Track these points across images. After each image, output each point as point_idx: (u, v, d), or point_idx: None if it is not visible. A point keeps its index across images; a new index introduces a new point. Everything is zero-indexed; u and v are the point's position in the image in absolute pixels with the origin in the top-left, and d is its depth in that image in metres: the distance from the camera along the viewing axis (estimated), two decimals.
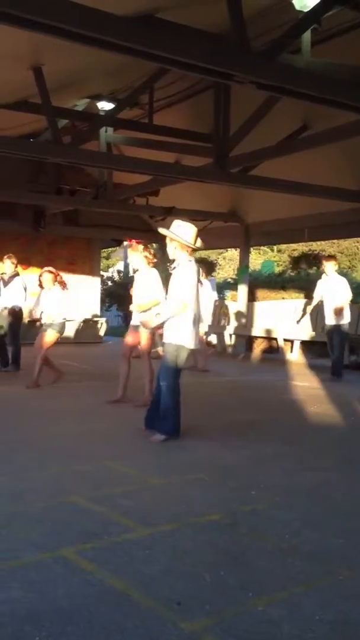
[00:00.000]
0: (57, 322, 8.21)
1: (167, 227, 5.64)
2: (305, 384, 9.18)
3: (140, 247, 6.98)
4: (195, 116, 10.42)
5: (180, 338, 5.35)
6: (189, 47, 5.24)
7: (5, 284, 9.56)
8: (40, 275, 8.41)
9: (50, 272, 8.36)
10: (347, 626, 2.39)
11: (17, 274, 9.67)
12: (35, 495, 3.81)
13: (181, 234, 5.40)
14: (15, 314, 9.66)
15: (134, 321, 7.06)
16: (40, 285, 8.43)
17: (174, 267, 5.51)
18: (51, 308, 8.25)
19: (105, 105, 9.96)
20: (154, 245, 14.34)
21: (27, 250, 14.42)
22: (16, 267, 9.70)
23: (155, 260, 7.18)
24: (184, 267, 5.40)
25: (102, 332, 15.77)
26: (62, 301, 8.28)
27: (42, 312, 8.36)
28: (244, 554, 3.03)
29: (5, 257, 9.65)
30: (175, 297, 5.33)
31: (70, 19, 4.54)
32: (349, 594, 2.66)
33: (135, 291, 7.04)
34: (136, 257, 7.00)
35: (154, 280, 6.98)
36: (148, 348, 7.04)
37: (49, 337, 8.22)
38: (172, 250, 5.46)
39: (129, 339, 7.07)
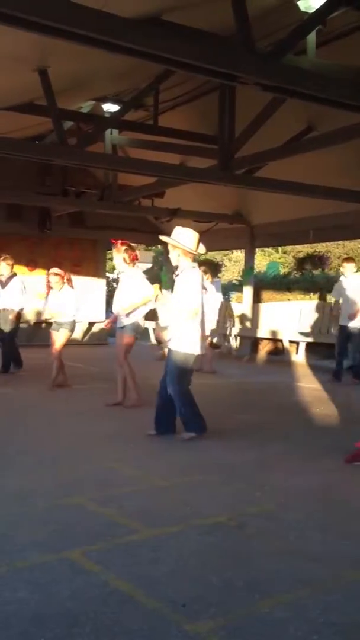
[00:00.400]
0: (69, 321, 8.22)
1: (170, 231, 5.67)
2: (311, 385, 9.16)
3: (122, 247, 6.99)
4: (200, 118, 10.43)
5: (188, 345, 5.41)
6: (194, 49, 5.24)
7: (3, 285, 9.55)
8: (48, 277, 8.41)
9: (57, 274, 8.36)
10: (353, 628, 2.39)
11: (14, 275, 9.65)
12: (40, 497, 3.81)
13: (183, 240, 5.44)
14: (17, 316, 9.67)
15: (119, 324, 7.06)
16: (49, 287, 8.44)
17: (178, 274, 5.53)
18: (62, 307, 8.22)
19: (110, 107, 9.98)
20: (159, 247, 14.35)
21: (33, 251, 14.46)
22: (12, 267, 9.68)
23: (136, 260, 7.16)
24: (190, 274, 5.44)
25: (107, 334, 15.79)
26: (74, 300, 8.28)
27: (50, 311, 8.32)
28: (250, 556, 3.02)
29: (1, 258, 9.62)
30: (186, 305, 5.37)
31: (76, 21, 4.55)
32: (355, 596, 2.65)
33: (118, 293, 7.04)
34: (118, 257, 7.01)
35: (139, 280, 6.99)
36: (127, 349, 7.01)
37: (62, 337, 8.22)
38: (175, 257, 5.51)
39: (119, 342, 7.09)
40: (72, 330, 8.32)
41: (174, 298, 5.55)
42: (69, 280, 8.38)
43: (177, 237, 5.46)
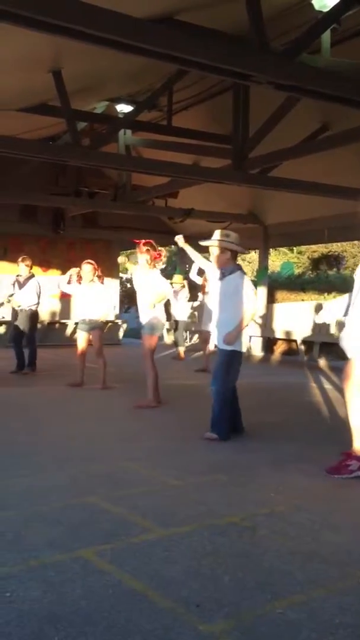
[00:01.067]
0: (101, 320, 8.19)
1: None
2: (326, 385, 9.12)
3: (144, 248, 6.98)
4: (213, 118, 10.42)
5: (238, 344, 5.48)
6: (208, 49, 5.24)
7: (21, 285, 9.63)
8: (79, 268, 8.28)
9: (90, 263, 8.27)
10: None
11: (32, 276, 9.74)
12: (54, 496, 3.82)
13: (235, 243, 5.57)
14: (33, 315, 9.73)
15: (142, 321, 7.05)
16: (79, 280, 8.33)
17: (223, 276, 5.54)
18: (97, 304, 8.16)
19: (124, 108, 10.00)
20: (172, 247, 14.35)
21: (46, 252, 14.54)
22: (31, 269, 9.76)
23: (158, 259, 7.15)
24: (244, 277, 5.53)
25: (121, 334, 15.84)
26: (107, 296, 8.24)
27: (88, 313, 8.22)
28: (263, 557, 3.01)
29: (20, 259, 9.73)
30: (249, 306, 5.46)
31: (90, 22, 4.56)
32: None
33: (141, 294, 7.02)
34: (142, 258, 6.99)
35: (158, 279, 7.00)
36: (150, 350, 7.02)
37: (99, 337, 8.20)
38: (223, 260, 5.54)
39: (145, 341, 7.08)
40: (103, 330, 8.28)
41: (224, 300, 5.52)
42: (100, 277, 8.32)
43: (228, 240, 5.55)
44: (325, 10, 6.05)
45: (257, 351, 13.80)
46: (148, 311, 6.92)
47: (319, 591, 2.66)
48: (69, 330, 14.70)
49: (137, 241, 7.11)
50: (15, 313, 9.93)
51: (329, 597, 2.61)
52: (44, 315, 14.21)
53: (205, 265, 6.18)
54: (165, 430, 5.89)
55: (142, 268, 7.03)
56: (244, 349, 5.62)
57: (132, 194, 12.33)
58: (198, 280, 10.43)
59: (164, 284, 7.12)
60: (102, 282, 8.37)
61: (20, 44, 6.04)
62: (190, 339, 15.18)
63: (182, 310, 12.62)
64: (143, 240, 7.13)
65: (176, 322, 12.62)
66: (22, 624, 2.34)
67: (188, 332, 15.15)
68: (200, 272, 10.39)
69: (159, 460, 4.80)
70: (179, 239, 6.57)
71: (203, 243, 5.71)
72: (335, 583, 2.76)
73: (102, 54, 5.76)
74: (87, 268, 8.18)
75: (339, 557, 3.02)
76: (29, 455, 4.83)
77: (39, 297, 9.69)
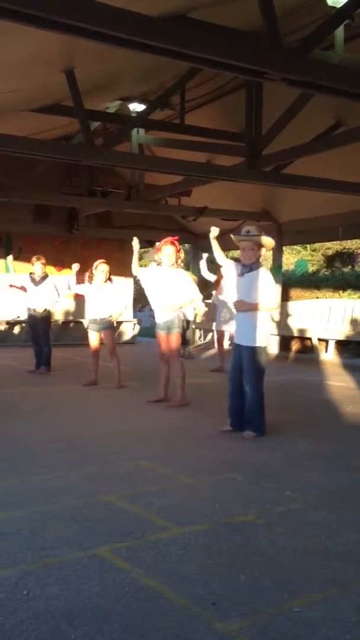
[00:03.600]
0: (112, 319, 8.19)
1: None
2: (341, 383, 9.07)
3: (172, 246, 6.94)
4: (226, 115, 10.39)
5: (263, 339, 5.52)
6: (221, 46, 5.22)
7: (37, 284, 9.66)
8: (94, 268, 8.25)
9: (106, 263, 8.29)
10: None
11: (46, 276, 9.75)
12: (70, 494, 3.84)
13: (268, 239, 5.58)
14: (47, 316, 9.77)
15: (159, 321, 7.03)
16: (90, 280, 8.33)
17: (250, 271, 5.53)
18: (109, 304, 8.15)
19: (136, 107, 10.01)
20: (185, 245, 14.35)
21: (60, 252, 14.58)
22: (45, 267, 9.78)
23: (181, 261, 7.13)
24: (266, 271, 5.59)
25: (135, 333, 15.85)
26: (121, 296, 8.26)
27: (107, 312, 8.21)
28: (279, 555, 3.00)
29: (35, 258, 9.75)
30: (272, 299, 5.58)
31: (102, 21, 4.56)
32: None
33: (161, 290, 6.92)
34: (167, 256, 6.92)
35: (186, 280, 7.00)
36: (177, 349, 7.02)
37: (111, 337, 8.22)
38: (257, 255, 5.54)
39: (161, 341, 7.07)
40: (115, 329, 8.31)
41: (248, 294, 5.50)
42: (110, 279, 8.36)
43: (263, 236, 5.55)
44: (339, 5, 6.01)
45: (273, 349, 13.75)
46: (169, 310, 6.89)
47: (336, 590, 2.65)
48: (83, 329, 14.76)
49: (173, 238, 7.02)
50: (29, 313, 9.96)
51: (345, 596, 2.59)
52: (58, 315, 14.26)
53: (224, 261, 6.12)
54: (180, 429, 5.89)
55: (166, 266, 6.93)
56: (266, 344, 5.64)
57: (145, 193, 12.33)
58: (211, 277, 10.40)
59: (194, 288, 7.14)
60: (111, 282, 8.39)
61: (33, 44, 6.06)
62: (205, 337, 15.17)
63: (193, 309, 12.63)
64: (175, 237, 7.08)
65: (187, 321, 12.62)
66: (39, 622, 2.35)
67: (202, 330, 15.14)
68: (211, 269, 10.38)
69: (174, 458, 4.80)
70: (215, 231, 6.48)
71: (240, 237, 5.58)
72: (352, 581, 2.74)
73: (115, 53, 5.76)
74: (103, 268, 8.19)
75: (356, 556, 3.01)
76: (45, 453, 4.85)
77: (58, 296, 9.73)
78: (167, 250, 6.87)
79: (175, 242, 6.96)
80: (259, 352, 5.48)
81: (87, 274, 8.44)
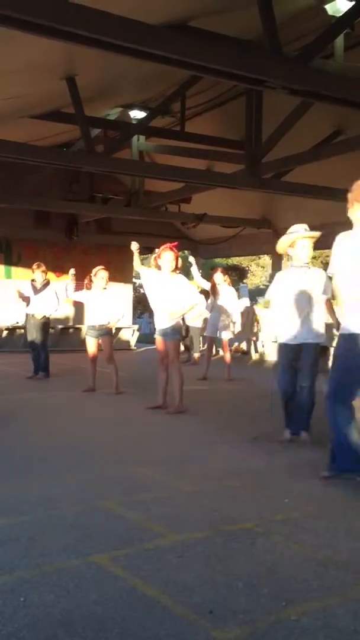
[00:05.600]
0: (110, 326, 8.22)
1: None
2: None
3: (173, 253, 6.93)
4: (227, 123, 10.44)
5: (322, 337, 5.58)
6: (222, 55, 5.26)
7: (37, 291, 9.67)
8: (94, 274, 8.26)
9: (105, 269, 8.28)
10: None
11: (48, 283, 9.76)
12: (67, 501, 3.83)
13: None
14: (46, 323, 9.78)
15: (159, 327, 7.03)
16: (88, 285, 8.32)
17: (308, 269, 5.62)
18: (107, 311, 8.17)
19: (137, 114, 10.06)
20: (184, 252, 14.38)
21: (60, 258, 14.60)
22: (46, 274, 9.79)
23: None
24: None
25: (134, 339, 15.85)
26: (118, 303, 8.30)
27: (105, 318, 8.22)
28: (278, 563, 2.99)
29: (35, 265, 9.75)
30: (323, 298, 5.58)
31: (104, 29, 4.60)
32: None
33: (162, 296, 6.90)
34: (168, 262, 6.88)
35: (187, 285, 7.01)
36: (176, 355, 7.02)
37: (109, 343, 8.22)
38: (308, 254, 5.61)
39: (160, 347, 7.06)
40: (113, 335, 8.34)
41: (313, 292, 5.52)
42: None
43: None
44: (339, 15, 6.06)
45: (272, 356, 13.73)
46: (170, 317, 6.87)
47: (334, 598, 2.64)
48: (82, 335, 14.77)
49: (172, 244, 7.02)
50: (27, 319, 9.97)
51: (344, 604, 2.58)
52: (58, 321, 14.26)
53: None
54: (179, 436, 5.89)
55: (166, 272, 6.90)
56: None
57: (145, 200, 12.38)
58: (205, 284, 10.24)
59: (195, 293, 7.17)
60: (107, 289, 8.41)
61: (34, 52, 6.09)
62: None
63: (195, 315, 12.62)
64: (174, 243, 7.08)
65: (187, 327, 12.62)
66: (36, 629, 2.34)
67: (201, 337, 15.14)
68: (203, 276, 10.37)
69: (173, 465, 4.79)
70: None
71: (313, 233, 5.58)
72: (351, 590, 2.73)
73: (116, 60, 5.80)
74: (103, 274, 8.19)
75: (355, 564, 3.00)
76: (43, 460, 4.84)
77: (58, 304, 9.74)
78: (167, 256, 6.86)
79: (174, 249, 6.96)
80: (318, 350, 5.55)
81: (85, 281, 8.45)
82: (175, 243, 7.11)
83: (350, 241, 4.14)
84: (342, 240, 4.19)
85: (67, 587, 2.68)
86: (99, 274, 8.21)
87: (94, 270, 8.31)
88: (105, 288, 8.23)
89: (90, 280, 8.30)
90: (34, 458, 4.89)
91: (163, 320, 6.93)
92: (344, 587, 2.75)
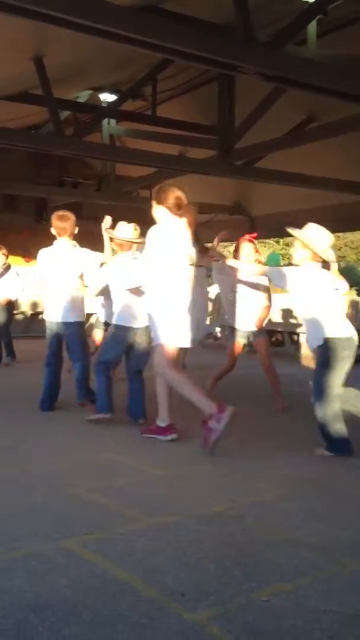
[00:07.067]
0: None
1: None
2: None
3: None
4: (199, 108, 10.38)
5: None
6: (194, 38, 5.21)
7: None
8: None
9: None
10: (354, 617, 2.37)
11: (9, 266, 9.58)
12: (38, 487, 3.80)
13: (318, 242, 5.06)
14: (10, 305, 9.65)
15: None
16: None
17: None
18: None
19: (107, 97, 9.94)
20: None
21: (29, 242, 14.41)
22: (7, 258, 9.61)
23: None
24: None
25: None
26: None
27: None
28: (249, 546, 3.01)
29: None
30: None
31: (73, 8, 4.51)
32: (356, 585, 2.64)
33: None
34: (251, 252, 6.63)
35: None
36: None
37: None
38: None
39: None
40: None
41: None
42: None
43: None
44: (312, 0, 6.04)
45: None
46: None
47: (305, 579, 2.67)
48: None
49: (252, 235, 6.83)
50: None
51: (314, 585, 2.61)
52: (26, 306, 14.09)
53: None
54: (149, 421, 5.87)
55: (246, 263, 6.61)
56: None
57: (116, 185, 12.26)
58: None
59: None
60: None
61: (1, 31, 5.96)
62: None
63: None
64: (253, 235, 6.92)
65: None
66: (6, 615, 2.32)
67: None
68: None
69: (144, 450, 4.79)
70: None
71: (292, 231, 5.27)
72: (321, 571, 2.76)
73: (86, 41, 5.70)
74: None
75: (325, 546, 3.03)
76: (13, 445, 4.79)
77: (18, 285, 9.57)
78: (246, 249, 6.63)
79: (253, 240, 6.66)
80: None
81: None
82: (255, 234, 6.99)
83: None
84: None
85: (37, 572, 2.66)
86: None
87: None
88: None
89: None
90: (3, 444, 4.83)
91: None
92: (314, 568, 2.79)
